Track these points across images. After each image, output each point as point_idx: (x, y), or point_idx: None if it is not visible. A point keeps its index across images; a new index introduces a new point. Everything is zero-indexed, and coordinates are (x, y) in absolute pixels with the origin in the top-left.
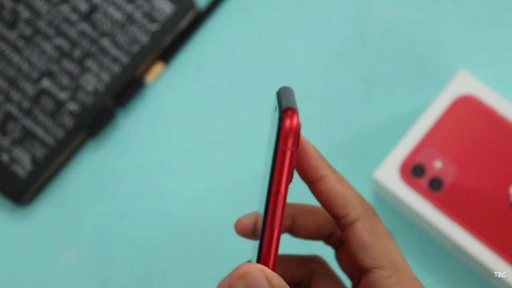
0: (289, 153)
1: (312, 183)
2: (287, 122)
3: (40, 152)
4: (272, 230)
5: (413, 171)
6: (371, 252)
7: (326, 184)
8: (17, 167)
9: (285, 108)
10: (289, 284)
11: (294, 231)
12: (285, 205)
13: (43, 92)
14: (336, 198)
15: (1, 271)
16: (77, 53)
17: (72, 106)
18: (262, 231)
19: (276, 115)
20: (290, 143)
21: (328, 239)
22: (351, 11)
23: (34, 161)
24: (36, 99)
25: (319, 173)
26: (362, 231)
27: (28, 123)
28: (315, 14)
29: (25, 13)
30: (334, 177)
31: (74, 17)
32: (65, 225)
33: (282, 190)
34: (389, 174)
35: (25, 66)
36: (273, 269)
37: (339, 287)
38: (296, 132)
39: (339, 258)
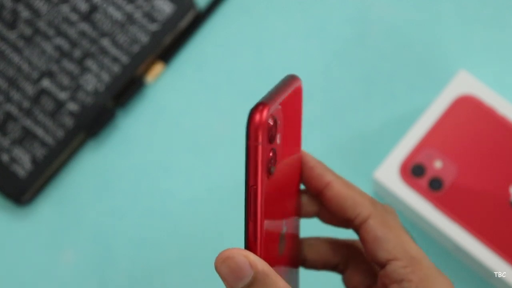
0: (260, 148)
1: (320, 192)
2: (256, 117)
3: (40, 152)
4: (254, 221)
5: (413, 171)
6: (385, 246)
7: (332, 190)
8: (17, 167)
9: (258, 103)
10: (324, 267)
11: (322, 218)
12: (263, 195)
13: (43, 92)
14: (344, 201)
15: (1, 271)
16: (77, 53)
17: (72, 106)
18: (246, 223)
19: None
20: (260, 138)
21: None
22: (351, 11)
23: (34, 161)
24: (36, 99)
25: (324, 181)
26: (375, 226)
27: (28, 123)
28: (315, 14)
29: (25, 13)
30: (339, 182)
31: (74, 17)
32: (65, 225)
33: (259, 183)
34: (389, 174)
35: (25, 66)
36: (260, 256)
37: (373, 275)
38: (264, 127)
39: None
